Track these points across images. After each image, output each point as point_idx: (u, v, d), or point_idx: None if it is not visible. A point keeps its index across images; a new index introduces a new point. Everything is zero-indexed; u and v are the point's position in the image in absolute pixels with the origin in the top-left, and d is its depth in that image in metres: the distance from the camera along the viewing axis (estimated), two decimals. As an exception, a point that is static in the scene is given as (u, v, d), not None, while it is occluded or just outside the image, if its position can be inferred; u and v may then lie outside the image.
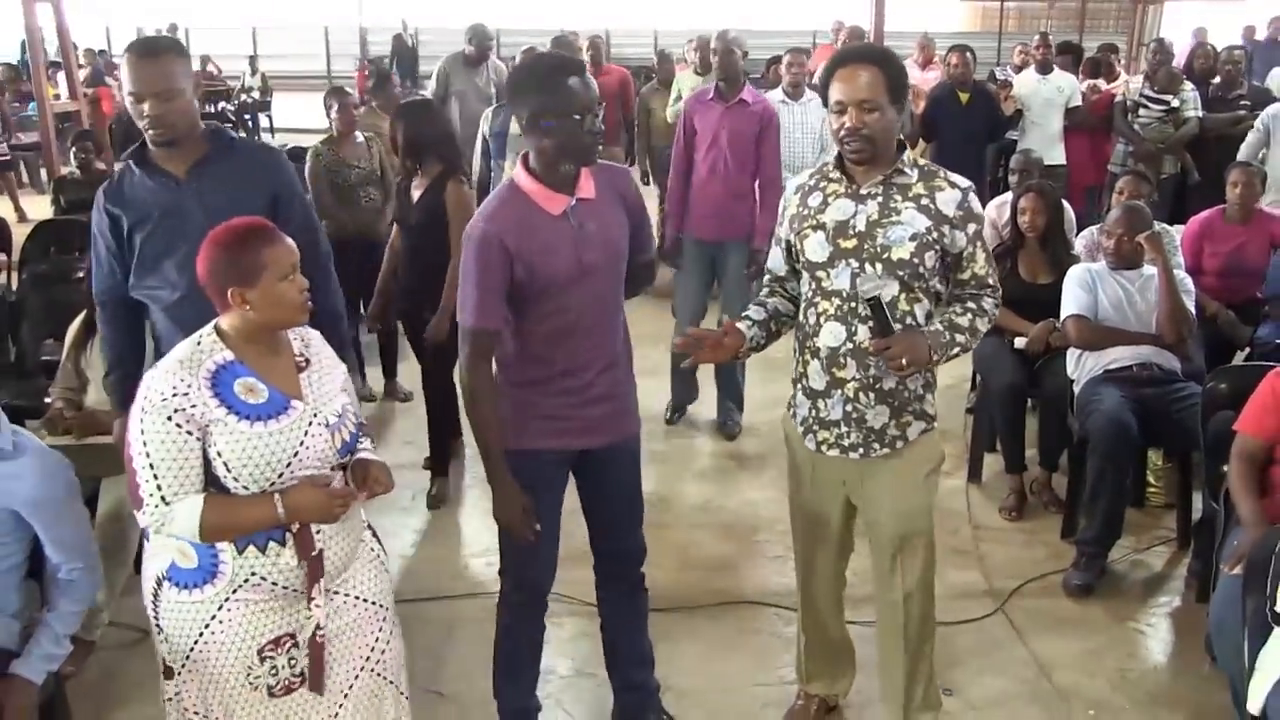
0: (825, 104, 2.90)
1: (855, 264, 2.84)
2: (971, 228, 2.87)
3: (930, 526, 3.10)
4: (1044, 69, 8.03)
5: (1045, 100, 7.88)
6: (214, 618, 2.39)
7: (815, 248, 2.90)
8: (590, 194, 2.90)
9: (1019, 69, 9.24)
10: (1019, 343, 4.94)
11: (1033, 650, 3.83)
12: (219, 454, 2.30)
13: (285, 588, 2.43)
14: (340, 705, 2.57)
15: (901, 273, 2.83)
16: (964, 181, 2.91)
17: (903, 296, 2.85)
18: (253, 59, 19.64)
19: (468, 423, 2.98)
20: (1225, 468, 3.45)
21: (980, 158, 7.92)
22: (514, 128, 5.61)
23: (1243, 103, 7.91)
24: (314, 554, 2.43)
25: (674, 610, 4.07)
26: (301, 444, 2.38)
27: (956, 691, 3.60)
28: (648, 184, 9.35)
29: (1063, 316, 4.60)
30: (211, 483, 2.34)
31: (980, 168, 7.92)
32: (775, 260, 3.12)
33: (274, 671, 2.45)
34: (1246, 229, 5.59)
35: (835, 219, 2.88)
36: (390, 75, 7.37)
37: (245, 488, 2.33)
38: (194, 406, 2.28)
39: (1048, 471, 4.93)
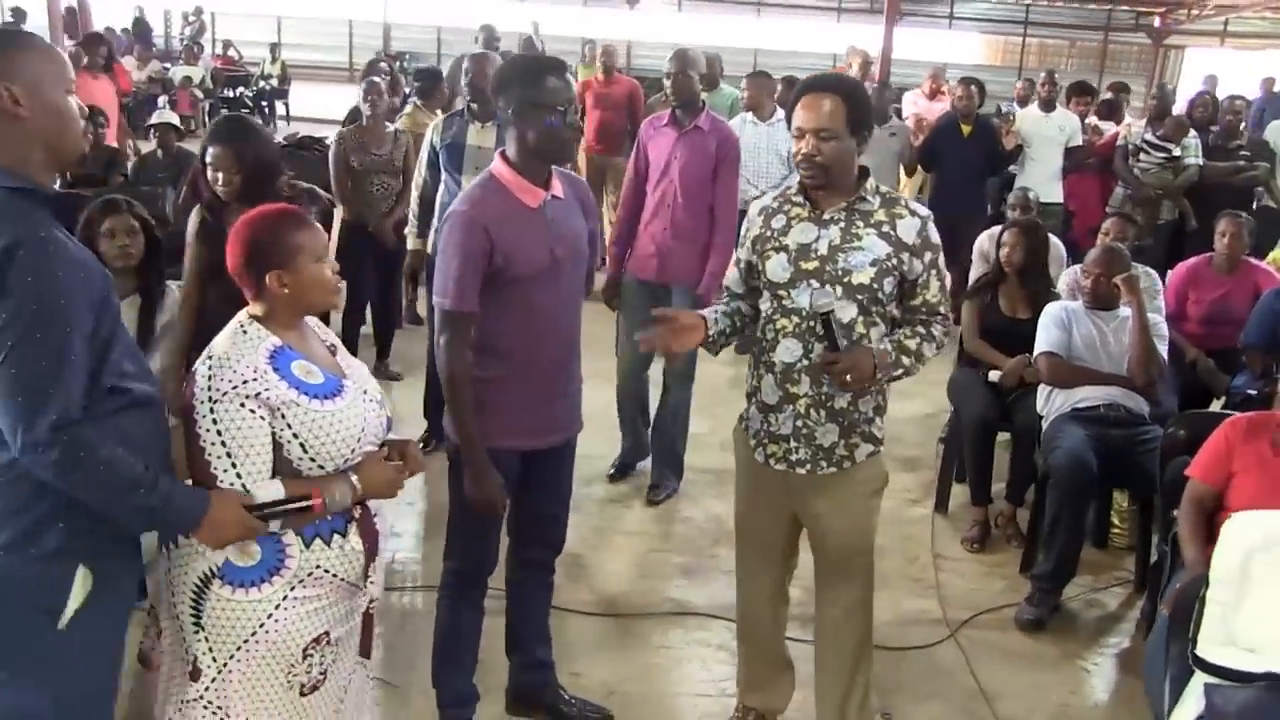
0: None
1: (816, 284, 2.90)
2: (928, 256, 2.93)
3: (871, 546, 3.15)
4: (1048, 106, 8.05)
5: (1046, 138, 7.90)
6: (270, 616, 2.34)
7: (777, 269, 2.95)
8: (560, 193, 3.03)
9: (1023, 103, 9.27)
10: (993, 375, 4.97)
11: (979, 680, 3.84)
12: (295, 435, 2.30)
13: (344, 580, 2.43)
14: (341, 700, 2.58)
15: (861, 296, 2.88)
16: (924, 210, 2.98)
17: (860, 319, 2.91)
18: (274, 47, 19.75)
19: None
20: (1175, 512, 3.48)
21: (979, 189, 7.98)
22: (472, 138, 5.11)
23: (1242, 153, 7.95)
24: (374, 534, 2.49)
25: (626, 616, 4.11)
26: (365, 419, 2.42)
27: (897, 715, 3.62)
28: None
29: (1035, 352, 4.63)
30: (280, 467, 2.32)
31: (980, 199, 7.99)
32: (732, 278, 3.20)
33: (309, 670, 2.43)
34: (1232, 278, 5.61)
35: (798, 241, 2.94)
36: (442, 81, 7.23)
37: (321, 467, 2.34)
38: (266, 390, 2.27)
39: (1013, 505, 4.94)
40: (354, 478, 2.39)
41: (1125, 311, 4.58)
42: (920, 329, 2.98)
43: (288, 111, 17.88)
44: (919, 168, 8.27)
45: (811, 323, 2.88)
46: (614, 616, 4.12)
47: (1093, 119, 8.83)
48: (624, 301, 5.10)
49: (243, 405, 2.26)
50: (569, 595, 4.20)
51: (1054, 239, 6.18)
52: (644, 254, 5.00)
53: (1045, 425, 4.57)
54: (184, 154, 7.35)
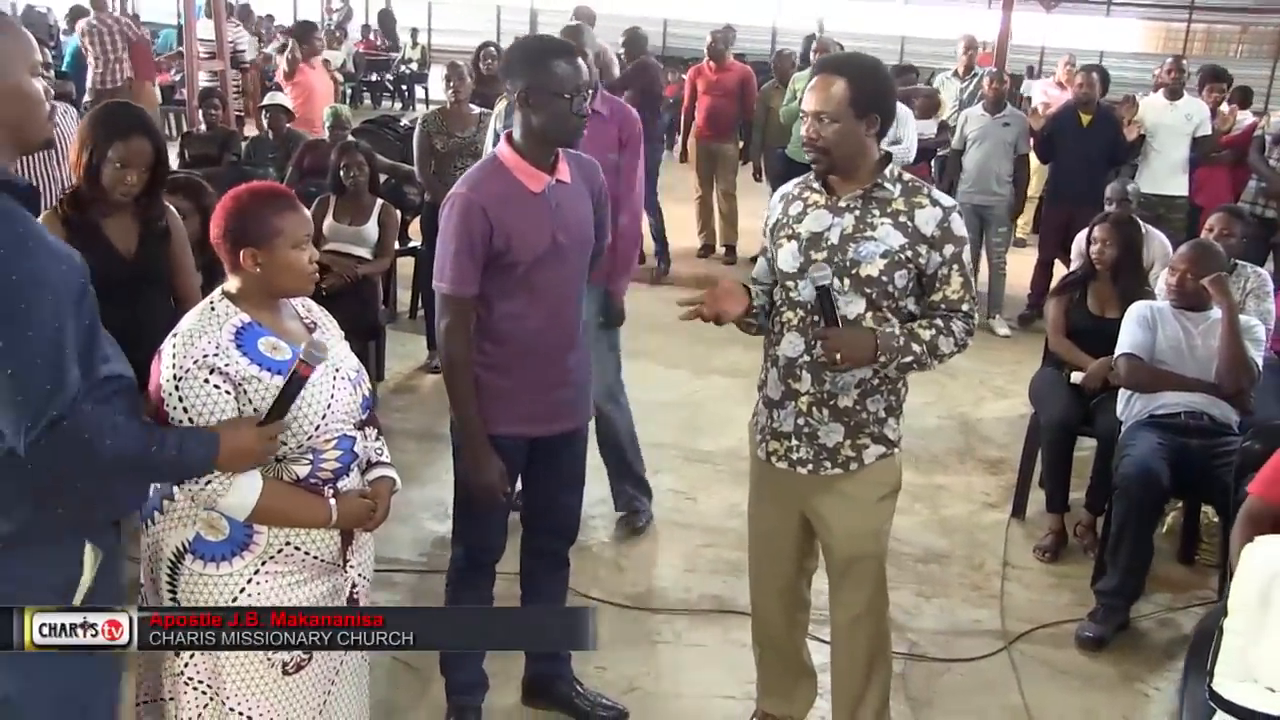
0: None
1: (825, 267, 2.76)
2: (949, 249, 2.76)
3: (881, 552, 3.02)
4: (1174, 95, 7.61)
5: (1170, 128, 7.45)
6: (241, 591, 2.36)
7: (787, 257, 2.84)
8: (567, 178, 2.98)
9: (1157, 89, 8.77)
10: (1075, 377, 4.70)
11: (1025, 698, 3.64)
12: (256, 411, 2.31)
13: (317, 558, 2.44)
14: (332, 683, 2.58)
15: (870, 290, 2.74)
16: (948, 200, 2.81)
17: (869, 315, 2.76)
18: (414, 31, 20.12)
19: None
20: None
21: (1099, 182, 7.49)
22: None
23: None
24: None
25: (663, 611, 4.03)
26: (332, 397, 2.41)
27: (928, 729, 3.46)
28: (759, 181, 9.27)
29: (1116, 353, 4.35)
30: None
31: (1100, 192, 7.53)
32: (761, 269, 3.08)
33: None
34: (1361, 281, 5.20)
35: (811, 230, 2.82)
36: None
37: (283, 443, 2.35)
38: (228, 366, 2.28)
39: (1092, 514, 4.66)
40: (333, 503, 2.41)
41: (1217, 313, 4.26)
42: (938, 321, 2.80)
43: (426, 95, 18.22)
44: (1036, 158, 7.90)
45: (815, 317, 2.74)
46: (650, 611, 4.03)
47: (1234, 109, 8.28)
48: None
49: (206, 381, 2.26)
50: (609, 586, 4.15)
51: (1160, 234, 5.86)
52: None
53: (1122, 431, 4.30)
54: (293, 135, 7.52)
